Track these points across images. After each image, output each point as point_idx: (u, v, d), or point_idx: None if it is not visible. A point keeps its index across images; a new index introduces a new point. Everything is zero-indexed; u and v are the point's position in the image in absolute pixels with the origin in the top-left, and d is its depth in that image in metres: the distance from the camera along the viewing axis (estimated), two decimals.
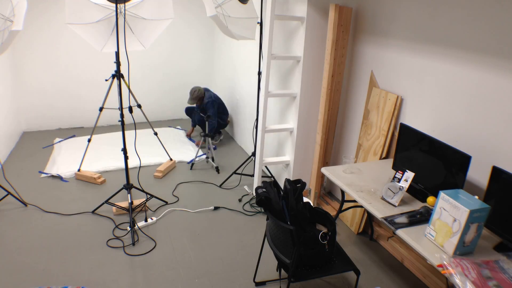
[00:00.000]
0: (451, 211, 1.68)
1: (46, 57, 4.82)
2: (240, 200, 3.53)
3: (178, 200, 3.49)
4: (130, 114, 5.32)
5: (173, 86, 5.75)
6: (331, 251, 2.05)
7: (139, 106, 3.79)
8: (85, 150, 4.27)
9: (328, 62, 3.00)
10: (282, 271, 2.51)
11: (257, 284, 2.47)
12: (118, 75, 2.97)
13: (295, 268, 1.99)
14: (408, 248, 2.71)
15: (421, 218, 1.97)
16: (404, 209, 2.08)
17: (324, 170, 2.56)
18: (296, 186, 2.03)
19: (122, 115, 2.91)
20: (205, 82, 5.94)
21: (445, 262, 1.64)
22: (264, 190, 2.00)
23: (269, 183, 2.08)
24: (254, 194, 3.61)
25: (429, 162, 2.24)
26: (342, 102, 3.32)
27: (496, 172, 1.83)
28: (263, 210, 3.36)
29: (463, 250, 1.69)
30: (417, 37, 2.50)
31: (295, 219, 1.97)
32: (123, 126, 2.97)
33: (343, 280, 2.53)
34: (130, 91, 3.63)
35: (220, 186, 3.80)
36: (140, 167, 4.09)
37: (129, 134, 4.82)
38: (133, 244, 2.82)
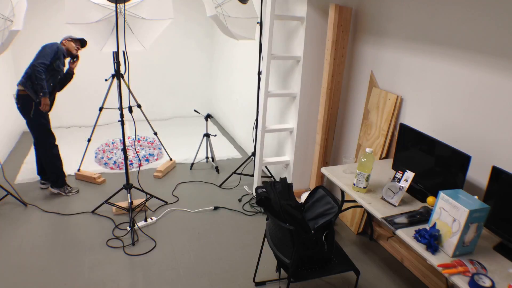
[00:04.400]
0: (451, 211, 1.68)
1: None
2: (240, 200, 3.53)
3: (178, 200, 3.49)
4: (130, 114, 5.33)
5: (173, 86, 5.75)
6: (330, 251, 2.05)
7: (139, 106, 3.80)
8: (85, 150, 4.27)
9: (328, 62, 3.00)
10: (282, 271, 2.51)
11: (257, 284, 2.47)
12: (117, 75, 2.97)
13: (295, 268, 1.99)
14: (408, 248, 2.71)
15: (421, 218, 1.97)
16: (404, 209, 2.08)
17: (324, 170, 2.56)
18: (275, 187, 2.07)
19: (122, 115, 2.91)
20: (205, 82, 5.94)
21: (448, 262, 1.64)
22: (264, 190, 2.00)
23: (269, 183, 2.08)
24: (254, 194, 3.62)
25: (429, 162, 2.24)
26: (342, 102, 3.32)
27: (496, 172, 1.83)
28: (263, 210, 3.36)
29: (463, 250, 1.69)
30: (417, 37, 2.50)
31: (294, 219, 1.97)
32: (122, 126, 2.97)
33: (343, 280, 2.53)
34: (130, 91, 3.63)
35: (220, 186, 3.80)
36: (139, 169, 4.09)
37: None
38: (133, 244, 2.82)
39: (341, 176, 2.45)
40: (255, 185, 3.55)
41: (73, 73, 3.43)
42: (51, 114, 3.28)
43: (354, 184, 2.25)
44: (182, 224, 3.10)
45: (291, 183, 2.15)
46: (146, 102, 5.60)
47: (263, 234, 3.02)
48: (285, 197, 2.04)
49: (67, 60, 3.35)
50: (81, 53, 4.94)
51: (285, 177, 2.18)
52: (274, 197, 1.97)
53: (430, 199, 2.14)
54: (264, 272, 2.58)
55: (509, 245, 1.78)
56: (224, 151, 4.69)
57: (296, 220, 1.94)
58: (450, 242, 1.69)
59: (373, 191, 2.27)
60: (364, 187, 2.22)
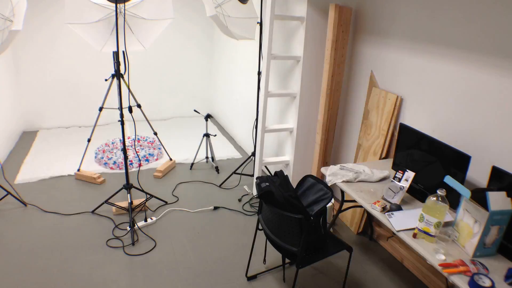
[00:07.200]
0: (473, 213, 1.69)
1: (45, 57, 4.82)
2: (240, 200, 3.53)
3: (178, 200, 3.49)
4: (130, 114, 5.32)
5: (173, 86, 5.75)
6: (325, 234, 2.15)
7: (138, 106, 3.80)
8: (85, 150, 4.27)
9: (328, 62, 3.00)
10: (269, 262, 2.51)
11: (249, 278, 2.52)
12: (117, 75, 2.97)
13: (302, 255, 2.06)
14: (408, 248, 2.71)
15: None
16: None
17: (324, 170, 2.56)
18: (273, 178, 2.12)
19: (122, 115, 2.91)
20: (205, 82, 5.94)
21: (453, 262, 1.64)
22: (267, 184, 2.03)
23: (267, 178, 2.11)
24: (256, 188, 3.62)
25: (428, 162, 2.24)
26: (342, 102, 3.32)
27: (496, 172, 1.83)
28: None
29: (484, 251, 1.70)
30: (417, 37, 2.50)
31: (297, 208, 2.01)
32: (122, 126, 2.97)
33: (340, 276, 2.53)
34: (130, 91, 3.63)
35: (220, 186, 3.80)
36: (139, 169, 4.09)
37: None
38: (133, 244, 2.82)
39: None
40: (255, 185, 3.55)
41: None
42: (51, 114, 3.28)
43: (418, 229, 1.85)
44: (182, 224, 3.10)
45: (287, 175, 2.18)
46: (146, 102, 5.60)
47: (263, 234, 3.02)
48: (286, 189, 2.08)
49: None
50: (81, 53, 4.96)
51: (281, 170, 2.21)
52: (276, 190, 2.01)
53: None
54: (254, 265, 2.61)
55: (509, 246, 1.78)
56: (224, 151, 4.69)
57: (299, 210, 1.99)
58: (471, 243, 1.70)
59: (373, 191, 2.27)
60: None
